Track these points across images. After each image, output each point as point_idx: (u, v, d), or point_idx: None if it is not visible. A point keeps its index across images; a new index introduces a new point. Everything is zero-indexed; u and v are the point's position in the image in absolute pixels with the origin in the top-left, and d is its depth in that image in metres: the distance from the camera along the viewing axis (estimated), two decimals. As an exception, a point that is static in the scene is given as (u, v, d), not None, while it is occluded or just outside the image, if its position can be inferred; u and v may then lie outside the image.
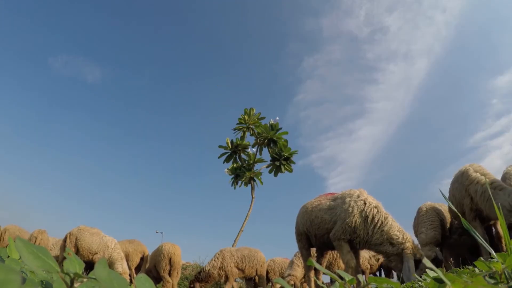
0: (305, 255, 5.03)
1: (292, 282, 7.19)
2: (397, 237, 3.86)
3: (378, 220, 3.98)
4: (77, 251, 6.89)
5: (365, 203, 4.15)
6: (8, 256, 1.05)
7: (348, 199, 4.28)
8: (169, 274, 7.46)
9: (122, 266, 6.61)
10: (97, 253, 6.74)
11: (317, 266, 0.80)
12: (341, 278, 0.79)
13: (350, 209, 4.14)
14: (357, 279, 0.79)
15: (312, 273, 4.94)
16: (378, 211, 4.05)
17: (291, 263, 7.65)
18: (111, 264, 6.71)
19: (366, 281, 0.75)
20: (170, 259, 7.46)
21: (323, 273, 5.69)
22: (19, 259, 1.01)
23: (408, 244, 3.81)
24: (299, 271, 7.38)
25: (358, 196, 4.26)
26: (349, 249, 4.11)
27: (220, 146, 15.52)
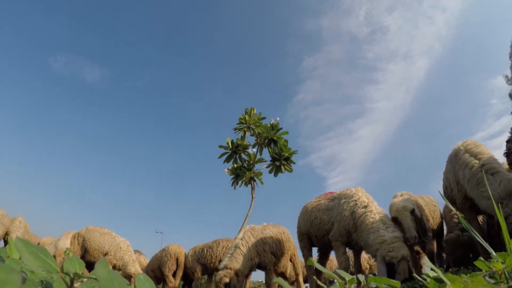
0: (306, 255, 5.06)
1: (227, 280, 4.58)
2: (370, 239, 3.60)
3: (361, 221, 3.80)
4: (85, 252, 6.88)
5: (356, 204, 3.98)
6: (8, 256, 1.05)
7: (343, 200, 4.17)
8: (173, 275, 7.53)
9: (134, 268, 6.63)
10: (108, 253, 6.71)
11: (317, 266, 0.80)
12: (342, 278, 0.79)
13: (344, 211, 4.04)
14: (357, 278, 0.79)
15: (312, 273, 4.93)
16: (364, 212, 3.85)
17: (234, 248, 5.00)
18: (123, 266, 6.71)
19: (366, 281, 0.75)
20: (176, 260, 7.53)
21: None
22: (19, 259, 1.01)
23: (377, 246, 3.50)
24: (240, 262, 4.80)
25: (352, 197, 4.11)
26: (344, 251, 4.06)
27: (221, 146, 15.47)
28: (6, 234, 8.68)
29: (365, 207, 3.89)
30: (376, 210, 3.86)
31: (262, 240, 5.21)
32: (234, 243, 5.13)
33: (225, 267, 4.70)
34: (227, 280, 4.57)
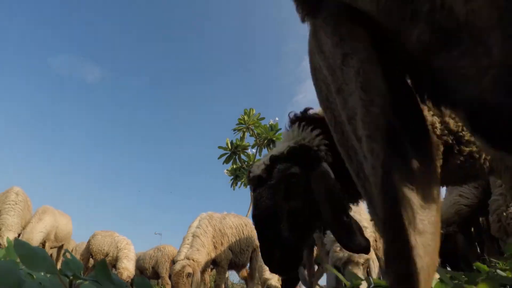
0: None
1: (190, 270, 3.99)
2: (324, 238, 2.77)
3: None
4: (91, 255, 7.06)
5: None
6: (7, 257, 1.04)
7: None
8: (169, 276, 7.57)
9: (124, 263, 6.68)
10: (108, 253, 6.84)
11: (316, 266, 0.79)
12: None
13: None
14: (361, 279, 0.79)
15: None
16: None
17: (192, 237, 4.25)
18: (117, 263, 6.78)
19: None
20: (172, 261, 7.55)
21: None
22: (17, 260, 1.00)
23: (328, 247, 2.70)
24: (203, 254, 4.20)
25: None
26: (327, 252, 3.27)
27: (220, 147, 15.54)
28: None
29: None
30: None
31: (220, 232, 4.49)
32: (190, 231, 4.36)
33: (187, 258, 4.04)
34: (190, 270, 3.97)
